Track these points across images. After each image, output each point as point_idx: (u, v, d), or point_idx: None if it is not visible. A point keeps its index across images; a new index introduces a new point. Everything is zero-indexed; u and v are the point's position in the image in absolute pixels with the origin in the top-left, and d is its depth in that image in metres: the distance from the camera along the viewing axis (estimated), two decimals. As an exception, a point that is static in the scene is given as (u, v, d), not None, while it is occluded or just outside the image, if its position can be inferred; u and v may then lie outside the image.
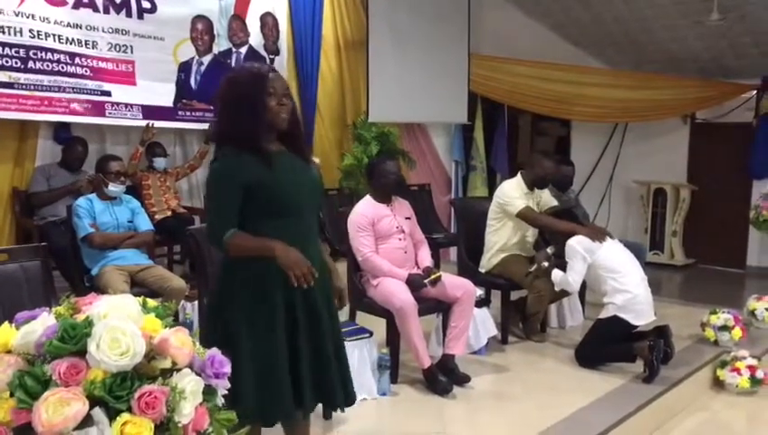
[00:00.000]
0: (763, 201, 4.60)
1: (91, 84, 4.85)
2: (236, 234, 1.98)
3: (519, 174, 4.34)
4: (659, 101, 7.15)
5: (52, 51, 4.66)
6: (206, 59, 5.61)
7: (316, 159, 6.26)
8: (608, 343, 3.70)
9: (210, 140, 2.19)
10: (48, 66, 4.65)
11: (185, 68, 5.46)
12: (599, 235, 3.86)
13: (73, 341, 1.24)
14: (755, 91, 6.99)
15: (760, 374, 3.80)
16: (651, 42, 7.04)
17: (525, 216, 4.12)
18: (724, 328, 4.10)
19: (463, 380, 3.42)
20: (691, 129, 7.55)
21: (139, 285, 3.70)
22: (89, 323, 1.26)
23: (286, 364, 2.04)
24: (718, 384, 3.90)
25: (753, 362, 3.84)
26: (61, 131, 4.91)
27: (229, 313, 2.05)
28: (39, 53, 4.59)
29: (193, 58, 5.52)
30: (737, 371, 3.81)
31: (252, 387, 1.98)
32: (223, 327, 2.05)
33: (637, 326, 3.66)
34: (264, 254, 1.95)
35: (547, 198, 4.39)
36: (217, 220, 2.01)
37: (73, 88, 4.77)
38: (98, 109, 4.90)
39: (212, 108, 5.61)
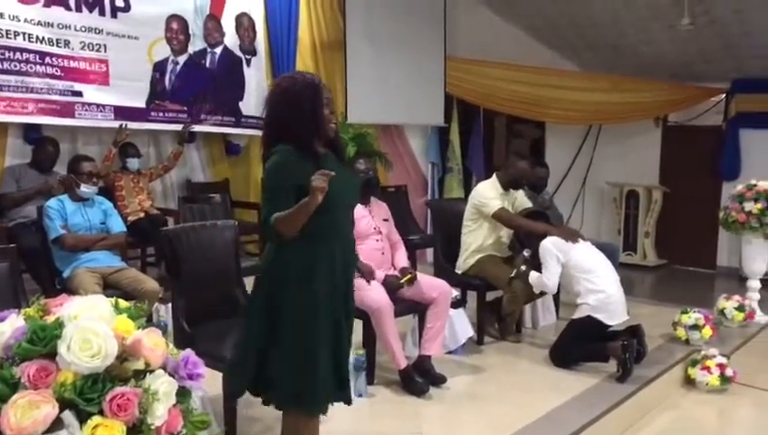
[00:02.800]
0: (732, 202, 4.68)
1: (60, 85, 4.76)
2: (277, 214, 2.11)
3: (494, 175, 4.37)
4: (631, 103, 7.26)
5: (22, 50, 4.56)
6: (182, 59, 5.54)
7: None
8: (582, 343, 3.74)
9: (264, 141, 2.30)
10: (16, 66, 4.54)
11: (159, 67, 5.39)
12: (571, 235, 3.92)
13: (43, 342, 1.22)
14: (724, 95, 7.14)
15: (729, 372, 3.87)
16: (625, 45, 7.15)
17: (500, 217, 4.15)
18: (695, 327, 4.16)
19: (439, 380, 3.43)
20: (663, 131, 7.68)
21: (111, 288, 3.64)
22: (59, 324, 1.25)
23: (329, 351, 2.22)
24: (689, 383, 3.95)
25: (723, 360, 3.91)
26: (30, 131, 4.82)
27: (277, 298, 2.20)
28: (6, 52, 4.49)
29: (168, 58, 5.45)
30: (707, 369, 3.87)
31: (292, 372, 2.18)
32: (266, 310, 2.22)
33: (610, 326, 3.71)
34: (303, 211, 2.06)
35: (522, 200, 4.43)
36: (268, 210, 2.16)
37: (42, 88, 4.67)
38: (67, 110, 4.81)
39: (186, 109, 5.56)
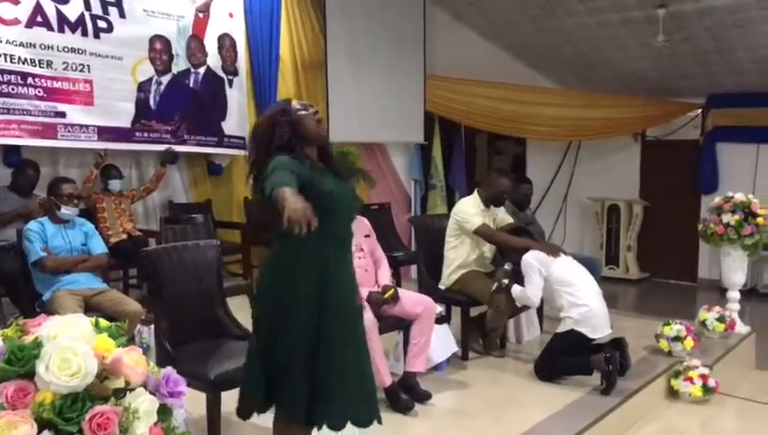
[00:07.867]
0: (710, 215, 4.75)
1: (43, 105, 4.74)
2: (285, 187, 1.92)
3: (475, 191, 4.40)
4: (609, 119, 7.37)
5: (2, 71, 4.55)
6: (165, 78, 5.54)
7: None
8: (565, 357, 3.75)
9: (251, 165, 2.27)
10: (-2, 88, 4.54)
11: (144, 87, 5.39)
12: (553, 250, 3.95)
13: (21, 363, 1.21)
14: (701, 110, 7.27)
15: (712, 383, 3.91)
16: (602, 62, 7.27)
17: (482, 232, 4.17)
18: (677, 339, 4.20)
19: (424, 397, 3.42)
20: (642, 146, 7.80)
21: (93, 310, 3.60)
22: (37, 344, 1.24)
23: (304, 360, 2.16)
24: (673, 394, 3.98)
25: (705, 371, 3.95)
26: (10, 154, 4.79)
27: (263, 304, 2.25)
28: (-12, 74, 4.49)
29: (152, 78, 5.45)
30: (690, 380, 3.91)
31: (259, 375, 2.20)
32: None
33: (594, 339, 3.73)
34: (283, 204, 1.86)
35: (503, 215, 4.45)
36: (271, 182, 1.98)
37: (24, 110, 4.65)
38: (49, 131, 4.78)
39: (169, 129, 5.56)
